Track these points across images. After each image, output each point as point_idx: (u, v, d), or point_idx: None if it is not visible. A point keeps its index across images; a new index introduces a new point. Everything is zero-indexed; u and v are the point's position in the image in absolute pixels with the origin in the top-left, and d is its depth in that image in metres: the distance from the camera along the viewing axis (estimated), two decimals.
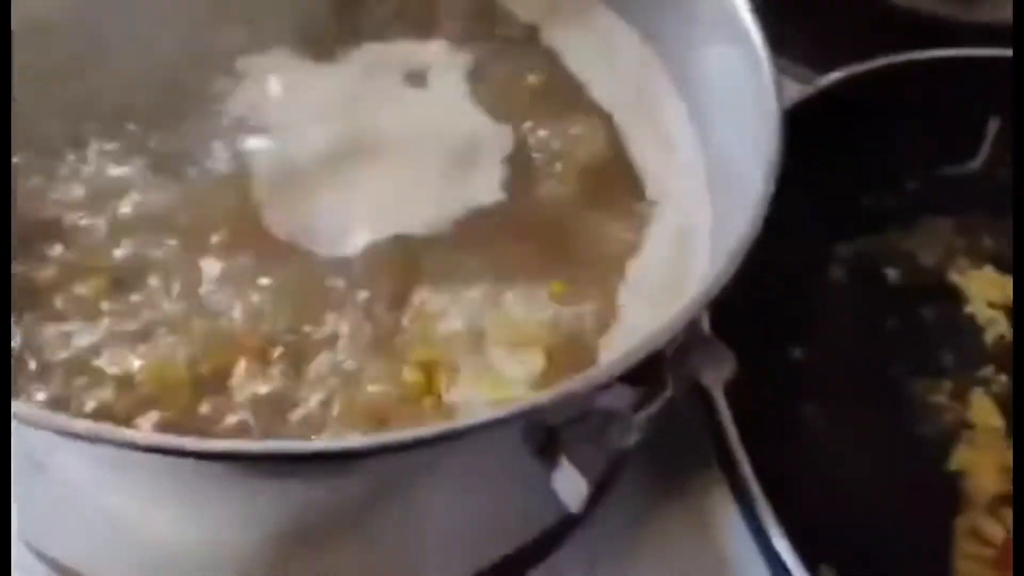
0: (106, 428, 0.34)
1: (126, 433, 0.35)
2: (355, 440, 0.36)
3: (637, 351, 0.37)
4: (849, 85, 0.61)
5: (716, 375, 0.40)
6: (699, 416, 0.50)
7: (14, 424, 0.35)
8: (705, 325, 0.46)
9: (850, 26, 0.66)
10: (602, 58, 0.55)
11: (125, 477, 0.39)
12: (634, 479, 0.52)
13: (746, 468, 0.45)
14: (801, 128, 0.58)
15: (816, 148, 0.61)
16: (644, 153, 0.52)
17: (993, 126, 0.64)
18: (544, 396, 0.36)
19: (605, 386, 0.37)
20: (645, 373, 0.38)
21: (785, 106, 0.58)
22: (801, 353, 0.56)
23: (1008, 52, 0.62)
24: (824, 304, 0.59)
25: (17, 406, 0.34)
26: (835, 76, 0.61)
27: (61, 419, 0.34)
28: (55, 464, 0.40)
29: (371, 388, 0.42)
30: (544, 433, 0.38)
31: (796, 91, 0.60)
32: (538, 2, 0.57)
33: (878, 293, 0.60)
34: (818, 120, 0.59)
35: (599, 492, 0.49)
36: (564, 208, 0.50)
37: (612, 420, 0.39)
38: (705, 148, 0.52)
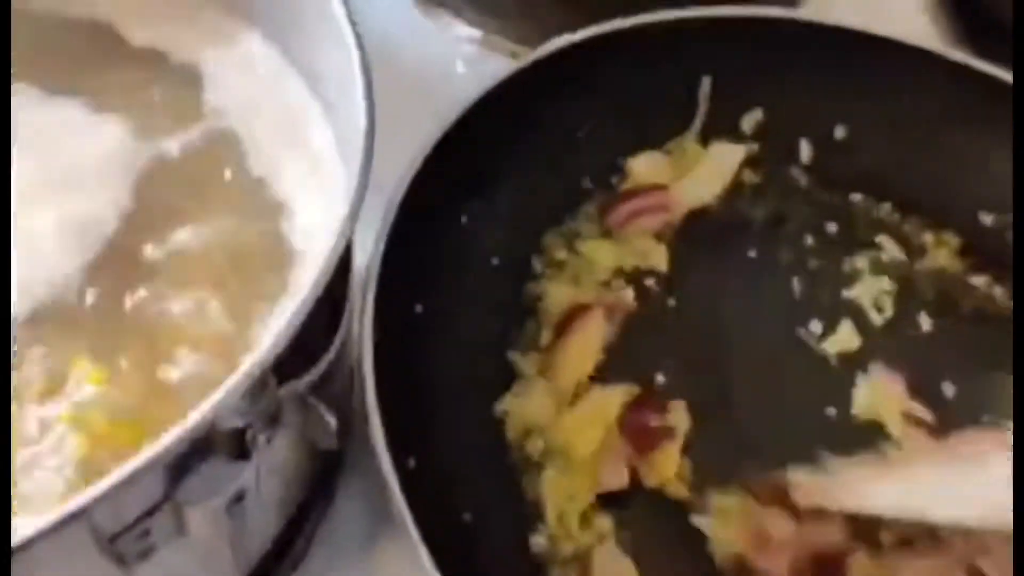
0: None
1: None
2: None
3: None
4: (553, 61, 0.58)
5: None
6: None
7: None
8: None
9: None
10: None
11: None
12: None
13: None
14: (507, 107, 0.56)
15: (524, 129, 0.58)
16: None
17: (706, 84, 0.62)
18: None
19: None
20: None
21: (488, 85, 0.56)
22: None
23: (713, 11, 0.60)
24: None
25: None
26: (537, 54, 0.58)
27: None
28: None
29: None
30: None
31: (502, 69, 0.57)
32: None
33: None
34: (525, 98, 0.57)
35: None
36: None
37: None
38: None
